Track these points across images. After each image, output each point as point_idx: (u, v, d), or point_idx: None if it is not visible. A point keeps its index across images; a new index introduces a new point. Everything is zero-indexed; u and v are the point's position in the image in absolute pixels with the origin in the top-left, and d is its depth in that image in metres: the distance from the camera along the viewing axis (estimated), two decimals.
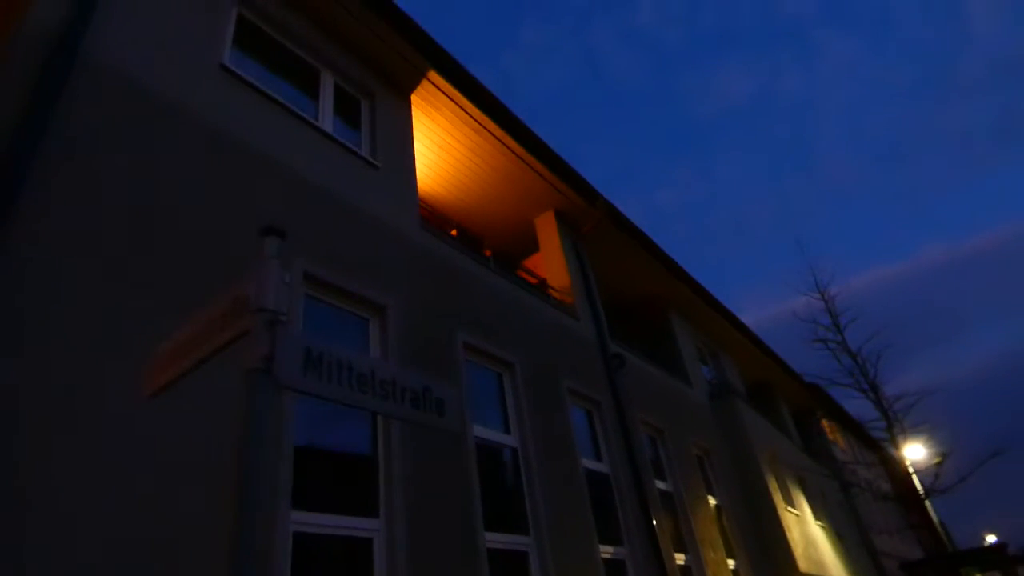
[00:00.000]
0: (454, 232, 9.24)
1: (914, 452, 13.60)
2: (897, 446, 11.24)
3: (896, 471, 28.21)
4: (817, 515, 14.11)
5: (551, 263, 9.09)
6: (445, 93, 7.23)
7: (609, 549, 6.72)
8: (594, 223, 9.68)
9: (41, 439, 2.82)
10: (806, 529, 12.36)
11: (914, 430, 11.34)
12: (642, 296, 12.13)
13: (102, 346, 3.21)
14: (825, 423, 21.80)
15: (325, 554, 4.01)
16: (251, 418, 1.42)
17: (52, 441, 2.84)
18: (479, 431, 5.71)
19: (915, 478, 10.82)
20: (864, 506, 20.82)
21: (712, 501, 9.97)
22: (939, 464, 11.64)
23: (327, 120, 5.91)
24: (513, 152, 8.17)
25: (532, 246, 9.75)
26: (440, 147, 7.96)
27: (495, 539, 5.26)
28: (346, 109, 6.37)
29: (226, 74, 4.91)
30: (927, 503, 10.67)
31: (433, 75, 6.98)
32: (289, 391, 1.60)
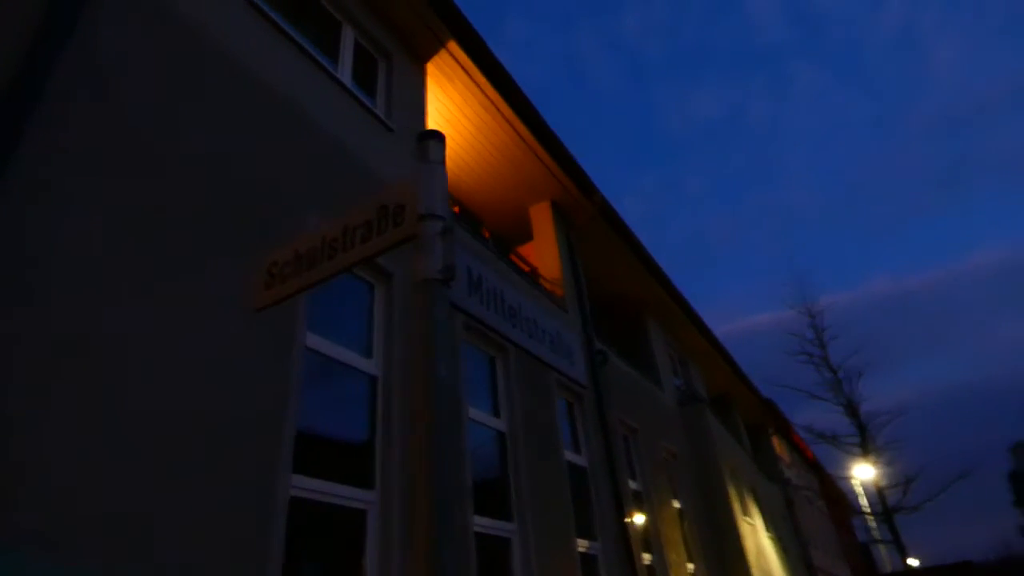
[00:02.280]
0: (456, 209, 9.04)
1: (863, 472, 14.07)
2: (870, 462, 11.56)
3: (833, 491, 29.25)
4: (767, 526, 14.44)
5: (544, 253, 8.99)
6: (462, 66, 7.03)
7: (584, 543, 6.67)
8: (588, 217, 9.62)
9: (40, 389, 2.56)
10: (758, 539, 12.62)
11: (887, 447, 11.72)
12: (622, 296, 12.15)
13: (109, 273, 2.95)
14: (775, 440, 22.40)
15: (320, 521, 3.81)
16: (432, 331, 1.25)
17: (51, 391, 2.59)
18: (473, 413, 5.57)
19: (884, 495, 11.17)
20: (804, 521, 21.49)
21: (676, 504, 10.06)
22: (883, 489, 12.05)
23: (346, 74, 5.66)
24: (520, 136, 8.02)
25: (526, 234, 9.62)
26: (448, 121, 7.75)
27: (481, 523, 5.13)
28: (364, 68, 6.12)
29: (251, 8, 4.62)
30: (894, 520, 10.99)
31: (452, 45, 6.78)
32: (456, 308, 1.41)
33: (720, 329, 14.96)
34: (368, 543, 3.94)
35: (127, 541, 2.58)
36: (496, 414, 6.09)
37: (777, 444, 22.74)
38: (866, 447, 11.49)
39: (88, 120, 3.14)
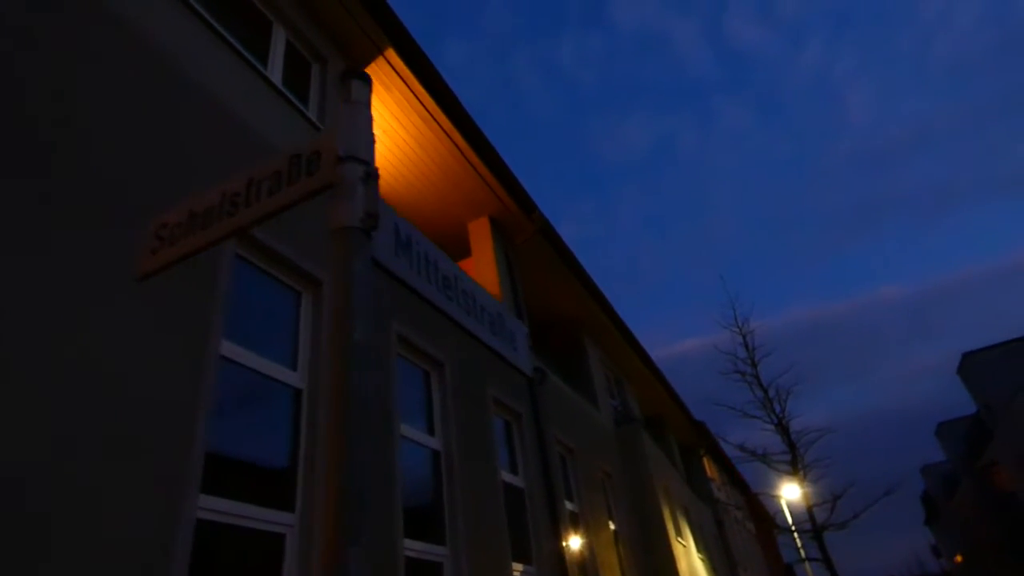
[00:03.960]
0: None
1: (790, 492, 14.45)
2: (799, 478, 11.83)
3: (760, 511, 30.04)
4: (698, 547, 14.56)
5: (482, 270, 8.84)
6: (399, 75, 6.88)
7: (519, 567, 6.44)
8: (527, 235, 9.56)
9: None
10: (691, 560, 12.68)
11: (815, 464, 12.04)
12: (558, 316, 12.13)
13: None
14: (706, 461, 22.84)
15: (231, 546, 3.45)
16: (348, 287, 1.05)
17: None
18: (406, 430, 5.30)
19: (812, 513, 11.44)
20: (733, 541, 21.89)
21: (611, 526, 9.96)
22: (812, 506, 12.38)
23: (276, 74, 5.39)
24: (459, 149, 7.91)
25: (463, 250, 9.47)
26: (385, 132, 7.55)
27: (412, 547, 4.84)
28: (296, 69, 5.87)
29: (178, 1, 4.33)
30: (823, 538, 11.25)
31: (390, 53, 6.63)
32: (381, 269, 1.21)
33: (652, 354, 15.19)
34: (285, 570, 3.60)
35: (11, 570, 2.21)
36: (431, 432, 5.83)
37: (708, 465, 23.20)
38: (796, 464, 11.79)
39: None
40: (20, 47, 3.09)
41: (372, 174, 1.19)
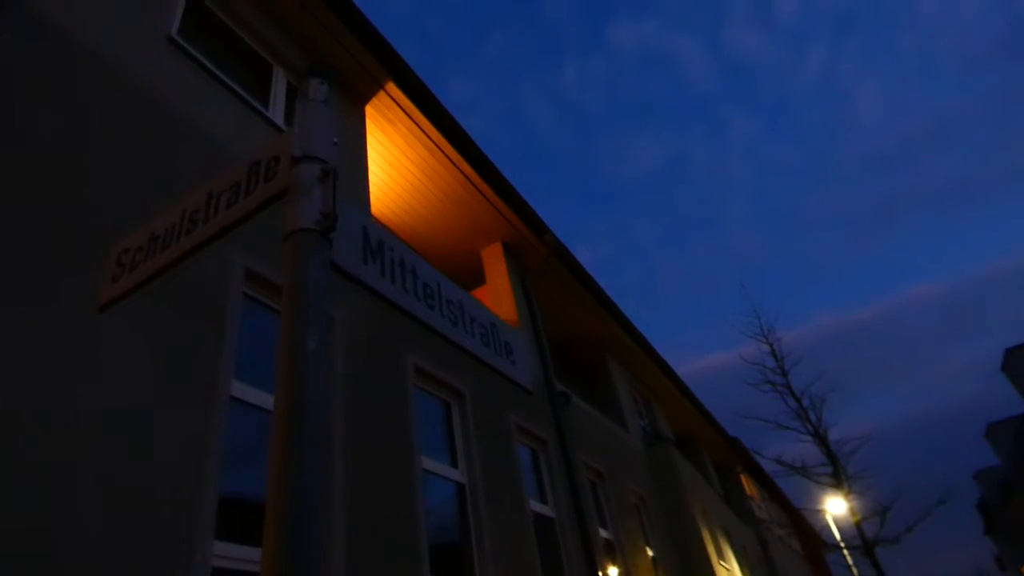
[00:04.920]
0: None
1: (835, 506, 13.88)
2: (844, 491, 11.28)
3: (805, 527, 28.98)
4: (743, 570, 14.01)
5: (498, 296, 8.75)
6: (402, 108, 6.92)
7: None
8: (541, 258, 9.48)
9: None
10: None
11: (860, 474, 11.48)
12: (579, 337, 11.95)
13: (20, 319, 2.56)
14: (744, 479, 22.15)
15: None
16: (301, 293, 0.97)
17: None
18: (428, 463, 5.16)
19: (861, 527, 10.89)
20: (779, 562, 21.08)
21: (649, 552, 9.62)
22: (860, 520, 11.82)
23: (278, 114, 5.44)
24: (466, 177, 7.90)
25: (478, 278, 9.40)
26: (391, 165, 7.58)
27: None
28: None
29: (174, 47, 4.40)
30: (875, 553, 10.66)
31: (391, 87, 6.67)
32: (345, 276, 1.12)
33: (678, 371, 14.86)
34: None
35: None
36: (454, 464, 5.68)
37: (746, 483, 22.51)
38: (838, 476, 11.28)
39: None
40: (16, 96, 3.13)
41: (330, 173, 1.11)
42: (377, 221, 1.29)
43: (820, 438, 11.51)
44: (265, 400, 3.85)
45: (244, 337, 3.91)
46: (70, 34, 3.59)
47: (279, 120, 5.39)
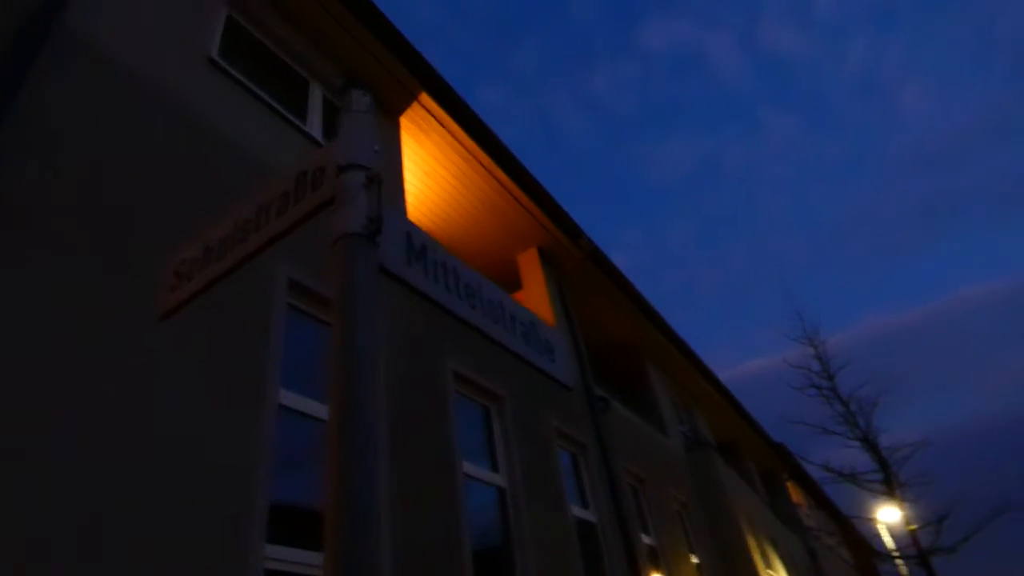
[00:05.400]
0: None
1: (887, 514, 13.39)
2: (896, 498, 10.83)
3: (855, 536, 28.04)
4: None
5: (534, 301, 8.77)
6: (435, 117, 7.02)
7: None
8: (576, 262, 9.46)
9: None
10: None
11: (914, 481, 11.00)
12: (617, 342, 11.87)
13: (71, 340, 2.69)
14: (790, 486, 21.58)
15: None
16: (351, 294, 1.00)
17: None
18: (469, 468, 5.19)
19: (916, 536, 10.45)
20: (828, 572, 20.43)
21: (694, 559, 9.45)
22: (915, 529, 11.35)
23: (316, 129, 5.58)
24: (500, 183, 7.96)
25: (514, 283, 9.43)
26: (427, 174, 7.69)
27: None
28: (335, 123, 6.06)
29: (214, 68, 4.57)
30: (930, 563, 10.17)
31: (424, 98, 6.78)
32: (392, 278, 1.16)
33: (721, 376, 14.56)
34: None
35: None
36: (495, 469, 5.70)
37: (792, 490, 21.92)
38: (890, 483, 10.86)
39: (36, 180, 2.96)
40: (61, 112, 3.29)
41: (374, 179, 1.15)
42: (418, 227, 1.33)
43: (870, 443, 11.12)
44: (312, 407, 3.93)
45: (289, 346, 4.01)
46: (111, 57, 3.76)
47: (316, 134, 5.53)
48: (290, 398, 3.81)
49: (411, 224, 1.30)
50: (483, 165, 7.66)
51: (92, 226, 3.11)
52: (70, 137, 3.25)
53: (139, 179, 3.50)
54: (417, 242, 1.26)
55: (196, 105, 4.19)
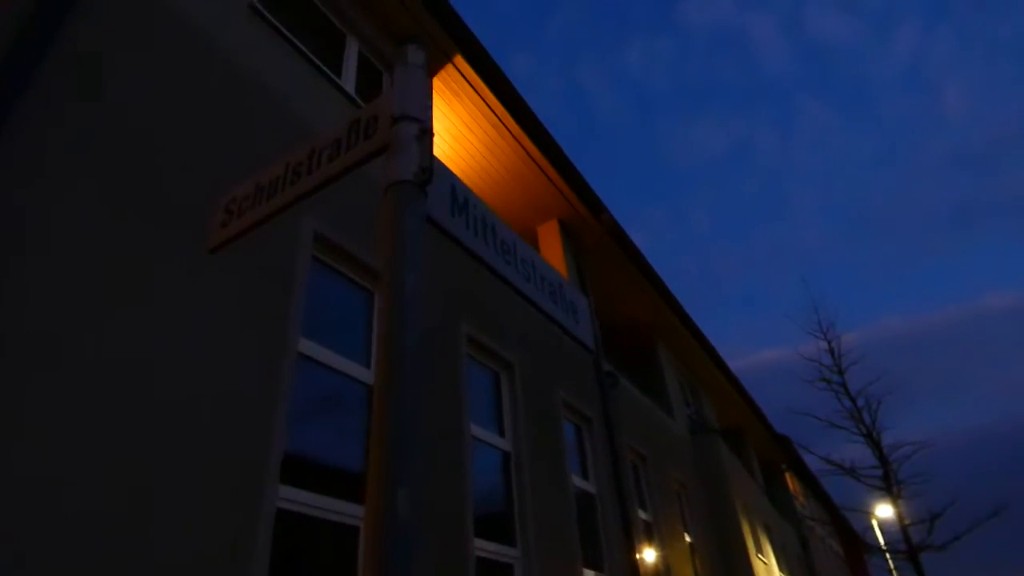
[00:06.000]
0: None
1: (884, 511, 13.49)
2: (892, 495, 11.00)
3: (847, 530, 28.29)
4: (780, 566, 13.85)
5: None
6: (468, 81, 6.98)
7: (591, 574, 6.32)
8: (596, 237, 9.46)
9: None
10: None
11: (911, 480, 11.15)
12: (630, 321, 11.91)
13: (94, 272, 2.79)
14: (788, 477, 21.74)
15: (310, 535, 3.56)
16: (401, 238, 1.07)
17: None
18: (476, 431, 5.31)
19: (908, 532, 10.61)
20: (818, 563, 20.69)
21: (687, 538, 9.63)
22: (907, 525, 11.47)
23: (350, 83, 5.59)
24: (528, 153, 7.94)
25: None
26: (455, 138, 7.69)
27: (483, 548, 4.84)
28: (368, 79, 6.07)
29: (254, 14, 4.57)
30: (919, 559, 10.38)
31: (459, 60, 6.74)
32: (436, 228, 1.22)
33: (729, 363, 14.64)
34: (360, 559, 3.68)
35: (119, 538, 2.37)
36: (501, 433, 5.83)
37: (790, 481, 22.08)
38: (888, 480, 10.97)
39: (77, 115, 3.03)
40: (109, 58, 3.34)
41: (427, 131, 1.20)
42: (462, 181, 1.38)
43: (873, 440, 11.18)
44: (329, 358, 4.04)
45: (311, 297, 4.10)
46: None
47: (350, 88, 5.54)
48: (310, 347, 3.91)
49: (456, 178, 1.35)
50: (512, 134, 7.63)
51: (125, 161, 3.18)
52: (114, 68, 3.31)
53: (175, 118, 3.56)
54: (460, 196, 1.31)
55: (235, 49, 4.22)
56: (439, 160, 1.29)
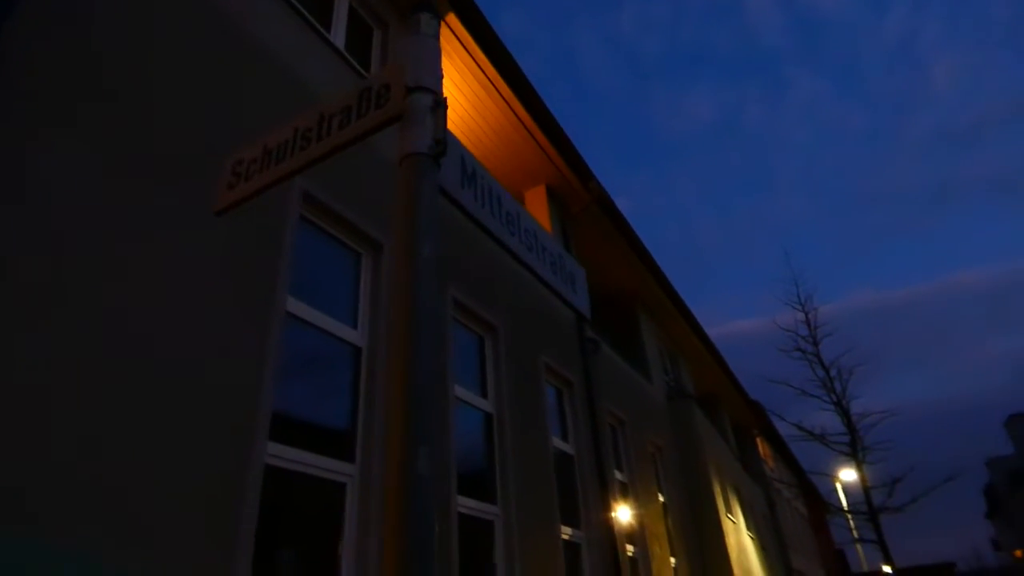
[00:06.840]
0: None
1: (847, 475, 14.05)
2: (857, 460, 11.53)
3: (812, 493, 29.38)
4: (748, 526, 14.41)
5: None
6: (460, 41, 6.86)
7: (568, 531, 6.55)
8: (583, 205, 9.49)
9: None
10: (740, 538, 12.58)
11: (876, 446, 11.67)
12: (613, 288, 12.04)
13: (78, 227, 2.77)
14: (759, 441, 22.44)
15: (297, 491, 3.65)
16: (416, 207, 1.11)
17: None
18: (459, 392, 5.42)
19: (869, 495, 11.15)
20: (784, 523, 21.55)
21: (661, 498, 9.97)
22: (869, 488, 12.01)
23: (339, 40, 5.48)
24: (517, 117, 7.87)
25: None
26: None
27: (465, 504, 5.00)
28: (358, 34, 5.94)
29: None
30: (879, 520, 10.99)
31: (452, 19, 6.61)
32: (446, 197, 1.26)
33: (708, 332, 15.00)
34: (347, 515, 3.79)
35: (100, 497, 2.42)
36: (484, 395, 5.94)
37: (761, 446, 22.79)
38: (854, 446, 11.46)
39: (58, 59, 2.96)
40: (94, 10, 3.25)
41: (441, 103, 1.22)
42: (470, 152, 1.40)
43: (842, 408, 11.62)
44: (316, 318, 4.07)
45: (299, 257, 4.11)
46: None
47: (339, 44, 5.43)
48: (298, 307, 3.94)
49: (464, 149, 1.38)
50: (502, 96, 7.55)
51: (110, 112, 3.13)
52: (102, 28, 3.22)
53: (160, 66, 3.49)
54: (469, 167, 1.34)
55: (227, 4, 4.11)
56: (449, 131, 1.31)
